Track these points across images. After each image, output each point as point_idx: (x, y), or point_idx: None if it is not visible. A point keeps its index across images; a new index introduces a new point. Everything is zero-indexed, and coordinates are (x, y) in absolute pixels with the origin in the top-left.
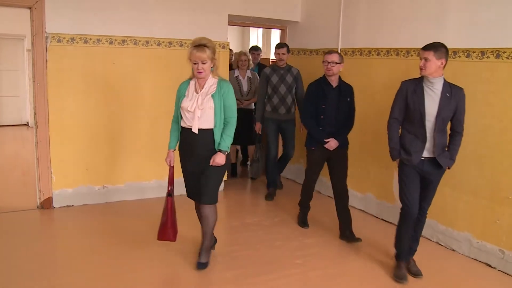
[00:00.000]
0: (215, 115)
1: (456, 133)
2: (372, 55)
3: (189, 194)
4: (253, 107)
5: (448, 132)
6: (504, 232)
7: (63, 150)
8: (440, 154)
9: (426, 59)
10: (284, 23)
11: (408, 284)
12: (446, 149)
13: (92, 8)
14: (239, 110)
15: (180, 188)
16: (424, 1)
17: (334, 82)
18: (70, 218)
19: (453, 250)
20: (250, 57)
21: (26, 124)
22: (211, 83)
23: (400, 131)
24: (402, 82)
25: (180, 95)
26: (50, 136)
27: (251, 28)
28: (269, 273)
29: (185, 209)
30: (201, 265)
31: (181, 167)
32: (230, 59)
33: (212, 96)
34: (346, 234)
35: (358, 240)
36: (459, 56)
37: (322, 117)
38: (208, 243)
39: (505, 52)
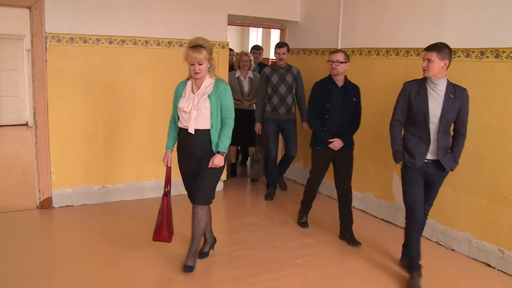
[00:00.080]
0: (211, 115)
1: (460, 134)
2: (372, 55)
3: (188, 194)
4: (254, 107)
5: (451, 133)
6: (504, 232)
7: (63, 150)
8: (444, 156)
9: (429, 60)
10: (284, 23)
11: (407, 284)
12: (449, 151)
13: (91, 8)
14: (240, 111)
15: (178, 188)
16: (424, 1)
17: (339, 82)
18: (70, 218)
19: (453, 250)
20: (252, 57)
21: (26, 124)
22: (207, 83)
23: (402, 133)
24: (405, 83)
25: (177, 95)
26: (49, 136)
27: (251, 28)
28: (269, 273)
29: (185, 209)
30: (188, 268)
31: (179, 168)
32: (231, 59)
33: (209, 96)
34: (346, 236)
35: (358, 244)
36: (459, 56)
37: (327, 116)
38: (196, 246)
39: (505, 52)
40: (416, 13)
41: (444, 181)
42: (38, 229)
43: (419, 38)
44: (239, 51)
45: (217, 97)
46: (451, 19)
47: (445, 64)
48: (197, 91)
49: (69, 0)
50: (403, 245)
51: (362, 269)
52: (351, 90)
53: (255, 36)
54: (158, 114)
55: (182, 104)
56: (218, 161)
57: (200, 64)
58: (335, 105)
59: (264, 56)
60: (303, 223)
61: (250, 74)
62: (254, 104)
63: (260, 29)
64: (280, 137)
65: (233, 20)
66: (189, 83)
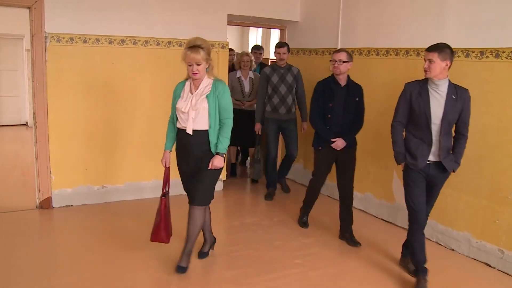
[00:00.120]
0: (209, 116)
1: (461, 135)
2: (372, 54)
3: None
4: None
5: (453, 134)
6: (504, 231)
7: (62, 150)
8: (446, 157)
9: (430, 61)
10: (284, 23)
11: (407, 283)
12: (451, 152)
13: (91, 8)
14: (241, 111)
15: (177, 189)
16: (424, 1)
17: (342, 81)
18: (70, 218)
19: (453, 250)
20: (253, 57)
21: (26, 124)
22: (206, 83)
23: (404, 134)
24: (406, 84)
25: (176, 96)
26: (49, 136)
27: (251, 28)
28: (269, 273)
29: (184, 209)
30: (180, 269)
31: (178, 168)
32: (232, 59)
33: (207, 96)
34: (346, 236)
35: (358, 244)
36: (458, 56)
37: (329, 116)
38: (191, 246)
39: (504, 52)
40: (416, 13)
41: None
42: (38, 229)
43: (419, 38)
44: (239, 51)
45: (215, 97)
46: (451, 19)
47: (447, 65)
48: (195, 91)
49: (69, 0)
50: (403, 245)
51: (362, 269)
52: (354, 90)
53: (254, 36)
54: (158, 114)
55: (180, 104)
56: (217, 162)
57: (198, 65)
58: (337, 105)
59: (264, 56)
60: (303, 223)
61: (251, 74)
62: (255, 105)
63: (260, 29)
64: (280, 138)
65: (233, 20)
66: (188, 83)
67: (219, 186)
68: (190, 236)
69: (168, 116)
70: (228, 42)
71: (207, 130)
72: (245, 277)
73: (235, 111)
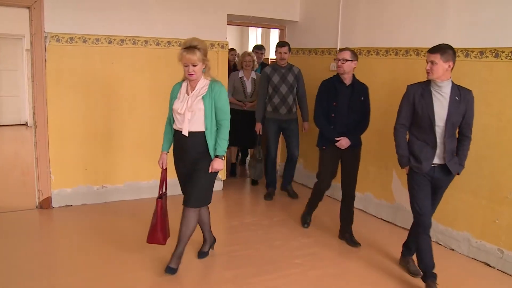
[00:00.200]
0: (205, 117)
1: (465, 137)
2: (371, 54)
3: None
4: None
5: (457, 136)
6: (503, 231)
7: (62, 150)
8: (450, 160)
9: (432, 62)
10: (283, 22)
11: (407, 283)
12: (455, 154)
13: (91, 8)
14: (242, 112)
15: (176, 188)
16: (424, 1)
17: (347, 80)
18: (69, 218)
19: (452, 250)
20: (255, 57)
21: (25, 124)
22: (202, 84)
23: (407, 137)
24: (408, 86)
25: (173, 97)
26: (49, 136)
27: (250, 28)
28: (269, 273)
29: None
30: (170, 270)
31: (175, 169)
32: (234, 59)
33: (203, 98)
34: (346, 236)
35: (357, 245)
36: (458, 56)
37: (333, 115)
38: (181, 248)
39: (504, 52)
40: (416, 13)
41: None
42: (37, 229)
43: (418, 38)
44: (239, 51)
45: (212, 98)
46: (451, 19)
47: (449, 66)
48: (191, 92)
49: (69, 0)
50: (403, 245)
51: (361, 269)
52: (359, 89)
53: (254, 36)
54: (158, 114)
55: (177, 105)
56: (217, 165)
57: (194, 66)
58: (342, 104)
59: (264, 56)
60: (305, 222)
61: (253, 74)
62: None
63: (260, 29)
64: (281, 138)
65: (232, 20)
66: (184, 84)
67: (219, 186)
68: (182, 238)
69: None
70: (227, 42)
71: (204, 132)
72: (245, 277)
73: (236, 111)
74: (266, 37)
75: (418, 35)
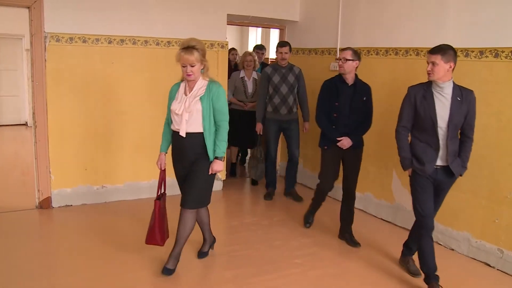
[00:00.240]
0: (203, 119)
1: (467, 138)
2: (371, 54)
3: None
4: None
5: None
6: (503, 231)
7: (62, 149)
8: (453, 162)
9: (433, 63)
10: (283, 22)
11: (407, 283)
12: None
13: (91, 8)
14: (243, 112)
15: (174, 189)
16: (423, 0)
17: (349, 80)
18: (69, 218)
19: (452, 250)
20: (256, 57)
21: (25, 124)
22: (200, 85)
23: (409, 139)
24: (409, 88)
25: (171, 97)
26: (49, 135)
27: (250, 28)
28: (269, 273)
29: None
30: (167, 271)
31: (174, 170)
32: (235, 59)
33: (201, 98)
34: (346, 236)
35: (357, 245)
36: (458, 56)
37: (335, 115)
38: (178, 249)
39: (504, 52)
40: (416, 13)
41: None
42: (37, 229)
43: (418, 37)
44: (239, 51)
45: (209, 99)
46: (451, 19)
47: (450, 67)
48: (189, 93)
49: (68, 0)
50: (404, 245)
51: (361, 269)
52: (361, 89)
53: (254, 36)
54: (158, 114)
55: (174, 106)
56: (217, 167)
57: (192, 66)
58: (344, 104)
59: (264, 56)
60: (307, 222)
61: (254, 74)
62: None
63: (260, 29)
64: (281, 138)
65: (232, 20)
66: (183, 85)
67: (218, 186)
68: (179, 239)
69: None
70: (227, 42)
71: (202, 133)
72: (245, 277)
73: (237, 111)
74: (266, 37)
75: (418, 35)
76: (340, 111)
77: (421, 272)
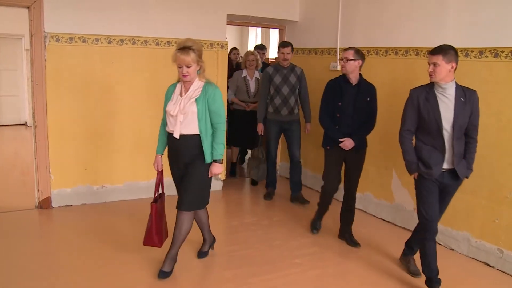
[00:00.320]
0: (199, 120)
1: (471, 139)
2: (371, 54)
3: None
4: None
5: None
6: (503, 231)
7: (62, 149)
8: (459, 164)
9: (435, 64)
10: (283, 22)
11: (407, 283)
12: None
13: (90, 8)
14: (245, 113)
15: (174, 189)
16: (423, 0)
17: (353, 80)
18: (69, 217)
19: (452, 250)
20: (258, 56)
21: (25, 124)
22: (196, 86)
23: (413, 142)
24: (411, 90)
25: (167, 98)
26: (48, 135)
27: (250, 28)
28: (268, 273)
29: None
30: (163, 274)
31: (170, 172)
32: (236, 58)
33: (196, 100)
34: (345, 236)
35: (357, 245)
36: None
37: (338, 115)
38: (174, 251)
39: (503, 52)
40: (416, 13)
41: None
42: (37, 229)
43: (418, 37)
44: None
45: (205, 101)
46: (450, 19)
47: (452, 67)
48: (185, 94)
49: (68, 0)
50: (406, 243)
51: (361, 269)
52: (365, 89)
53: (254, 36)
54: (157, 114)
55: (170, 107)
56: (216, 170)
57: (188, 67)
58: (347, 104)
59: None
60: (314, 228)
61: (256, 74)
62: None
63: (260, 29)
64: (282, 139)
65: (232, 20)
66: (179, 85)
67: (218, 186)
68: (175, 241)
69: None
70: (227, 41)
71: (197, 135)
72: (245, 277)
73: (239, 112)
74: (265, 37)
75: (418, 35)
76: (343, 111)
77: (421, 272)
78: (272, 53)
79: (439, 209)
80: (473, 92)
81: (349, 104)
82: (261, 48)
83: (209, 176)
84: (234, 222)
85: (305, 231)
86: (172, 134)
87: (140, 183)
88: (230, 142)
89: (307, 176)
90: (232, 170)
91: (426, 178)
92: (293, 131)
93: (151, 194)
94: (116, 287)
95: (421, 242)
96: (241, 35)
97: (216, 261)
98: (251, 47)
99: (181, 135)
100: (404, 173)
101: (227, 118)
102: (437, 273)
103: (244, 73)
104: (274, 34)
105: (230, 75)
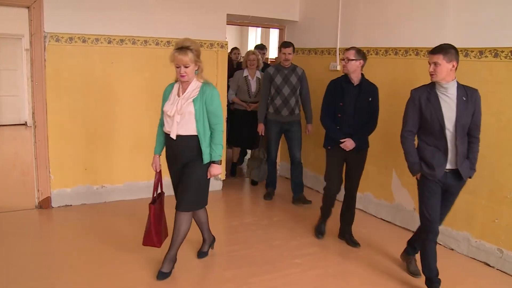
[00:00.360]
0: (196, 121)
1: (474, 139)
2: (371, 54)
3: None
4: None
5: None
6: (503, 231)
7: (62, 149)
8: (462, 164)
9: (435, 64)
10: (283, 22)
11: (407, 283)
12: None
13: (90, 8)
14: (245, 113)
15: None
16: (423, 0)
17: (355, 80)
18: (69, 217)
19: (452, 250)
20: (260, 56)
21: (25, 124)
22: (194, 87)
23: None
24: (412, 91)
25: (164, 98)
26: (48, 135)
27: (250, 28)
28: (268, 273)
29: None
30: (162, 275)
31: (169, 172)
32: (237, 58)
33: (193, 100)
34: (346, 236)
35: (357, 245)
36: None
37: (339, 115)
38: (173, 252)
39: (503, 52)
40: (416, 13)
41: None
42: (37, 229)
43: (418, 37)
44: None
45: (203, 102)
46: (450, 19)
47: (453, 66)
48: (182, 94)
49: (68, 0)
50: (408, 242)
51: (361, 269)
52: (367, 90)
53: (254, 36)
54: (157, 113)
55: (167, 107)
56: (214, 171)
57: (186, 67)
58: (348, 104)
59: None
60: (318, 232)
61: (258, 74)
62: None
63: (259, 29)
64: (282, 139)
65: (232, 20)
66: (176, 85)
67: (218, 186)
68: (174, 242)
69: None
70: (227, 41)
71: (194, 136)
72: (245, 277)
73: (240, 112)
74: (265, 37)
75: (418, 35)
76: (344, 111)
77: (421, 273)
78: (272, 53)
79: (443, 210)
80: (475, 91)
81: (351, 104)
82: (261, 48)
83: (208, 177)
84: (234, 222)
85: (305, 231)
86: (169, 134)
87: (140, 183)
88: (230, 142)
89: (307, 176)
90: (233, 170)
91: (429, 179)
92: (294, 132)
93: (151, 194)
94: (116, 287)
95: (422, 243)
96: (241, 35)
97: (216, 261)
98: (251, 47)
99: (177, 136)
100: (404, 173)
101: (227, 118)
102: (437, 273)
103: (245, 72)
104: (274, 34)
105: (231, 75)
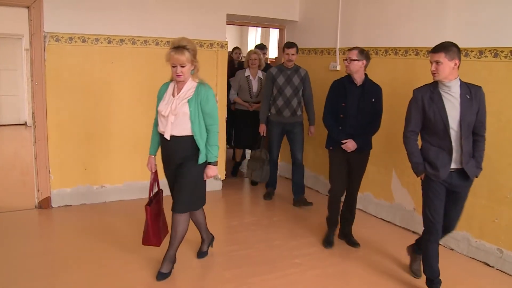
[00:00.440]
0: (191, 122)
1: (480, 137)
2: (371, 54)
3: None
4: None
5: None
6: (503, 231)
7: (62, 149)
8: (468, 163)
9: (437, 62)
10: (283, 22)
11: (407, 283)
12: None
13: (90, 8)
14: (247, 113)
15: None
16: (423, 0)
17: (358, 80)
18: (69, 217)
19: (452, 250)
20: (261, 56)
21: (25, 124)
22: (189, 87)
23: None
24: (415, 91)
25: (159, 98)
26: (48, 135)
27: (250, 28)
28: (268, 273)
29: None
30: (161, 275)
31: (164, 173)
32: (238, 58)
33: (188, 101)
34: (346, 236)
35: (357, 245)
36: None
37: (342, 116)
38: (172, 253)
39: (503, 52)
40: (416, 13)
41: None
42: (37, 229)
43: (418, 37)
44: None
45: (198, 102)
46: (450, 19)
47: (456, 64)
48: (177, 94)
49: (68, 0)
50: (417, 242)
51: (361, 269)
52: (370, 90)
53: (254, 36)
54: None
55: (161, 107)
56: (211, 172)
57: (182, 67)
58: (351, 104)
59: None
60: (327, 242)
61: (259, 73)
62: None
63: (259, 29)
64: (284, 140)
65: (232, 20)
66: (171, 85)
67: (218, 185)
68: (172, 242)
69: None
70: (227, 41)
71: (189, 136)
72: (244, 277)
73: (241, 112)
74: (265, 37)
75: (418, 35)
76: (347, 111)
77: (421, 273)
78: (273, 53)
79: (454, 214)
80: (479, 88)
81: (353, 105)
82: (261, 48)
83: (204, 179)
84: (234, 222)
85: (305, 231)
86: (163, 135)
87: (139, 183)
88: (232, 143)
89: (307, 176)
90: (234, 170)
91: (433, 180)
92: (296, 133)
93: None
94: (116, 287)
95: (424, 244)
96: (241, 35)
97: (215, 261)
98: (251, 47)
99: (171, 136)
100: (404, 173)
101: (227, 118)
102: (438, 274)
103: (247, 72)
104: (274, 34)
105: (232, 75)
